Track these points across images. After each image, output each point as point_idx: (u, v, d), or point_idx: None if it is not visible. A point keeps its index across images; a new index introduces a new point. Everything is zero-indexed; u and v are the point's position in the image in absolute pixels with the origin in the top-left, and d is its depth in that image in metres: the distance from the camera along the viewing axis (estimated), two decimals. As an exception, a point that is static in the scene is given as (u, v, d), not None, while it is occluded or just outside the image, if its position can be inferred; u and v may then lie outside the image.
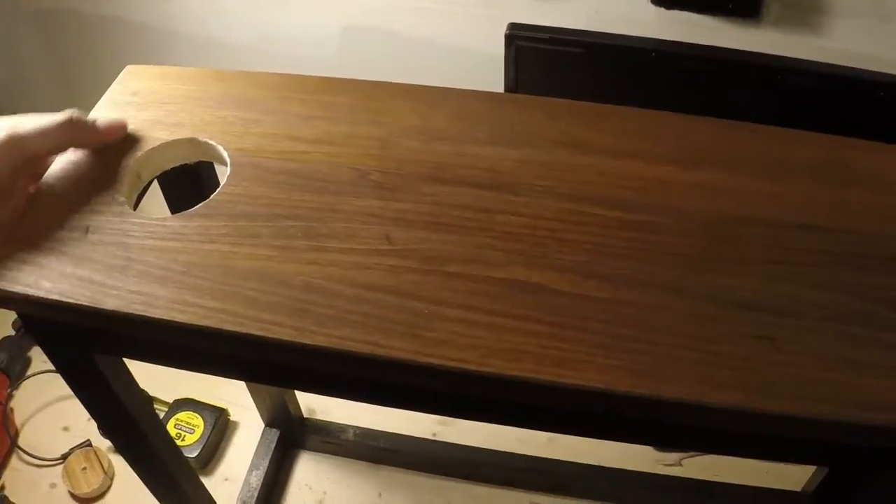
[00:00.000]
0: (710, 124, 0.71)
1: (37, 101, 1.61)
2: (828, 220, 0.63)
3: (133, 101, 0.76)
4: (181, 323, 0.58)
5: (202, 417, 1.24)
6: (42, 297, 0.59)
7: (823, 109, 1.05)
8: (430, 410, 0.66)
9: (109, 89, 0.77)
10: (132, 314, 0.58)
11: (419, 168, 0.66)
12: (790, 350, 0.54)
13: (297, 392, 1.25)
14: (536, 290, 0.58)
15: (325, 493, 1.22)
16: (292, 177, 0.67)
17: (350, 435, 1.24)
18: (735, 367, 0.53)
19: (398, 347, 0.55)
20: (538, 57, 1.06)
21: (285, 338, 0.56)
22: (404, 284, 0.58)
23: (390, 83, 0.74)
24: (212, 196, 0.66)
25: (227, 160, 0.69)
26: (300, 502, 1.21)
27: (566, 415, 0.60)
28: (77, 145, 0.70)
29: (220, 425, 1.25)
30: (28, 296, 0.60)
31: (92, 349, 0.70)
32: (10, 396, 1.34)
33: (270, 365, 0.62)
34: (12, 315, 1.40)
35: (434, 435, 1.25)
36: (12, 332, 1.39)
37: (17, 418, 1.32)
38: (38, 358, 1.38)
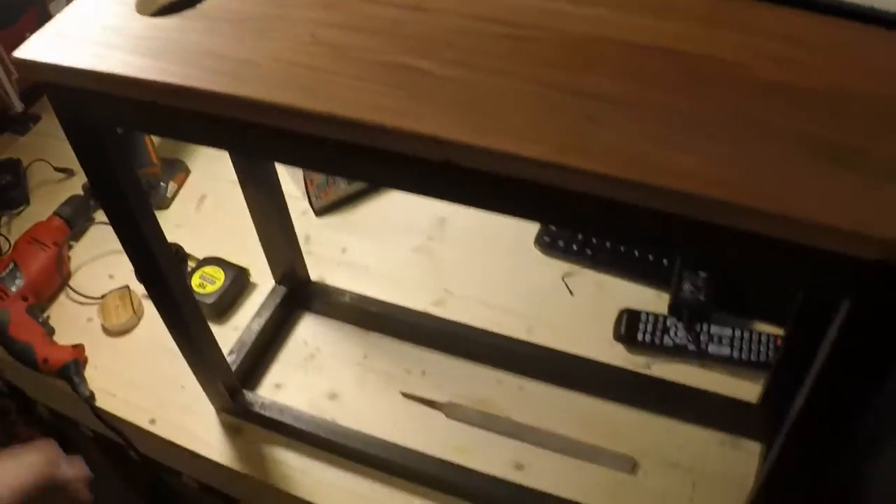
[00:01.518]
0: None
1: None
2: (688, 48, 0.76)
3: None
4: (158, 81, 0.78)
5: (224, 272, 1.46)
6: (57, 64, 0.82)
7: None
8: (312, 163, 0.85)
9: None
10: (124, 75, 0.80)
11: (358, -8, 0.85)
12: (608, 126, 0.69)
13: (309, 263, 1.46)
14: (412, 70, 0.75)
15: (317, 349, 1.41)
16: (261, -4, 0.87)
17: (346, 298, 1.43)
18: (554, 132, 0.68)
19: (293, 98, 0.74)
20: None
21: (218, 89, 0.76)
22: (314, 62, 0.77)
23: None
24: (197, 6, 0.87)
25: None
26: (294, 353, 1.40)
27: (411, 165, 0.74)
28: None
29: (239, 280, 1.47)
30: (49, 64, 0.83)
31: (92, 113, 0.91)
32: (69, 246, 1.60)
33: (216, 119, 0.81)
34: (83, 179, 1.68)
35: (427, 308, 1.44)
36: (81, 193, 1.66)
37: (73, 264, 1.59)
38: (101, 217, 1.65)
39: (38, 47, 0.85)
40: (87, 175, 1.00)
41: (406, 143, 0.72)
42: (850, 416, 0.76)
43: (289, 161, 0.96)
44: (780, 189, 0.64)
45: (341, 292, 1.45)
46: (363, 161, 0.78)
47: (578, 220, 0.76)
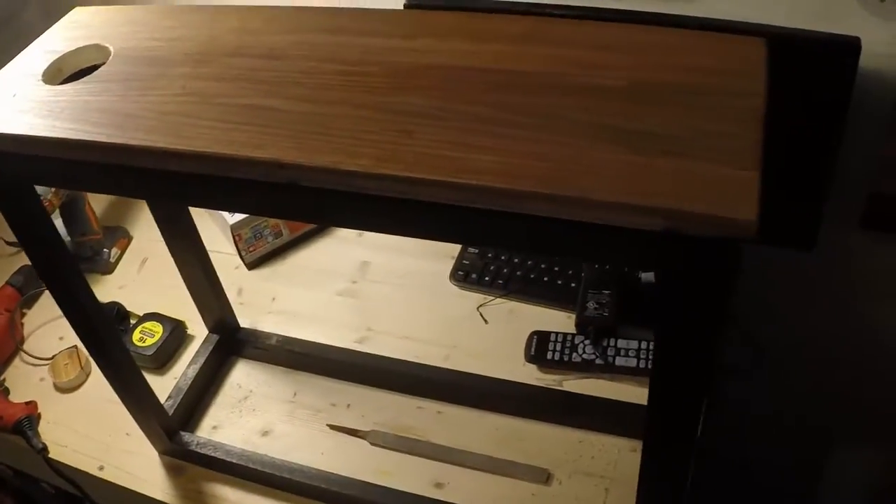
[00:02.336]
0: (437, 15, 1.00)
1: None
2: (500, 65, 0.89)
3: (71, 26, 1.12)
4: (63, 138, 0.90)
5: (163, 326, 1.58)
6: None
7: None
8: (186, 198, 0.97)
9: (61, 20, 1.14)
10: (37, 136, 0.92)
11: (226, 49, 0.98)
12: (421, 139, 0.81)
13: (241, 314, 1.57)
14: (264, 109, 0.88)
15: (250, 390, 1.51)
16: (146, 60, 1.00)
17: (274, 341, 1.54)
18: (375, 147, 0.80)
19: (163, 141, 0.86)
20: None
21: (104, 140, 0.89)
22: (183, 109, 0.90)
23: (234, 6, 1.08)
24: (93, 73, 1.01)
25: (112, 53, 1.03)
26: (228, 396, 1.51)
27: (264, 189, 0.85)
28: None
29: (176, 333, 1.58)
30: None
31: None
32: (22, 313, 1.72)
33: (105, 168, 0.94)
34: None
35: (357, 343, 1.56)
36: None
37: (26, 329, 1.70)
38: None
39: None
40: (20, 240, 1.13)
41: (255, 170, 0.84)
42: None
43: (170, 198, 1.10)
44: (567, 174, 0.74)
45: (269, 336, 1.56)
46: (225, 190, 0.90)
47: (398, 223, 0.88)
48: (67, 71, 1.06)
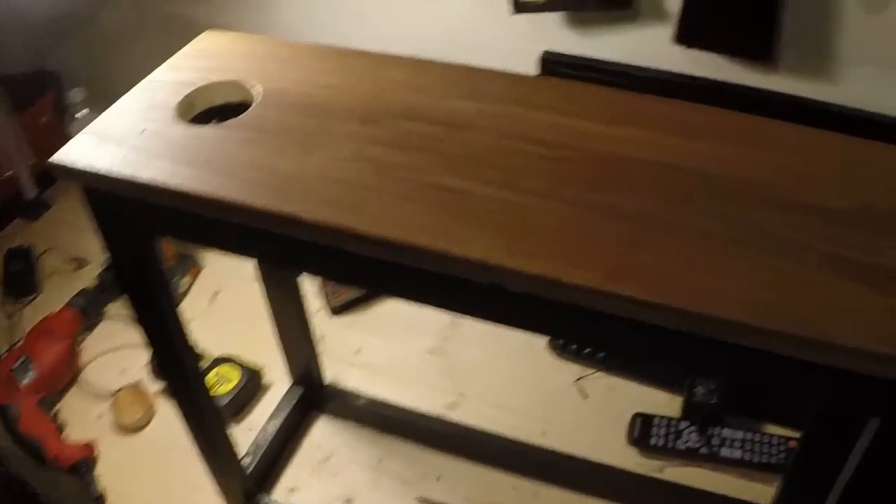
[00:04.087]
0: (639, 98, 0.87)
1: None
2: (721, 169, 0.77)
3: (202, 53, 0.99)
4: (198, 192, 0.78)
5: (239, 372, 1.44)
6: (97, 171, 0.82)
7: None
8: (352, 280, 0.83)
9: (188, 45, 1.01)
10: (164, 186, 0.80)
11: (396, 109, 0.86)
12: (650, 252, 0.69)
13: (323, 362, 1.44)
14: (454, 191, 0.76)
15: (332, 451, 1.38)
16: (302, 109, 0.87)
17: (362, 402, 1.41)
18: (600, 257, 0.69)
19: (337, 217, 0.74)
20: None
21: (259, 206, 0.76)
22: (360, 178, 0.77)
23: (398, 56, 0.95)
24: (240, 116, 0.87)
25: (260, 93, 0.90)
26: (308, 456, 1.38)
27: (461, 288, 0.74)
28: None
29: (252, 381, 1.45)
30: (87, 170, 0.82)
31: (132, 217, 0.90)
32: (80, 339, 1.58)
33: (254, 232, 0.81)
34: (96, 269, 1.66)
35: (446, 409, 1.41)
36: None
37: (84, 357, 1.56)
38: (112, 311, 1.63)
39: (79, 152, 0.85)
40: (118, 273, 1.00)
41: (454, 266, 0.71)
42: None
43: (333, 277, 0.95)
44: (812, 312, 0.64)
45: (356, 395, 1.43)
46: (410, 280, 0.77)
47: (616, 341, 0.76)
48: (200, 106, 0.94)
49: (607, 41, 1.33)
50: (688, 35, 1.26)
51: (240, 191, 0.78)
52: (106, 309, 1.64)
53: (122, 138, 0.85)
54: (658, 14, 1.28)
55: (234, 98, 0.95)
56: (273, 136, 0.84)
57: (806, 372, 0.66)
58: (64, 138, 0.87)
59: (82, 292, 1.62)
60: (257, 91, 0.91)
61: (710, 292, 0.66)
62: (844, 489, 0.75)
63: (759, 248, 0.69)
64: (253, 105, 0.89)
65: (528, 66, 1.34)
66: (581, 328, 0.75)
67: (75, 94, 1.67)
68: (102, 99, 1.68)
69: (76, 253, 1.75)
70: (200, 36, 1.03)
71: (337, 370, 1.50)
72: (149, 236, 0.95)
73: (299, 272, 1.24)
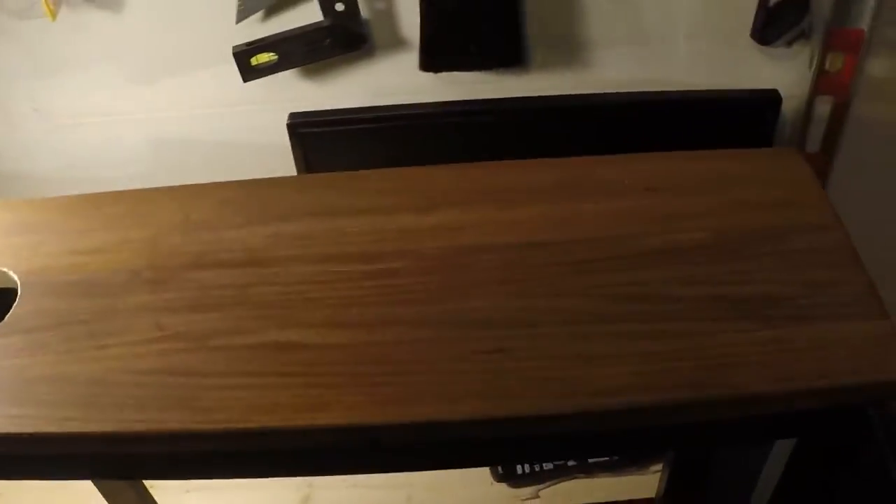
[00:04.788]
0: (442, 170, 0.83)
1: None
2: (558, 235, 0.75)
3: (-70, 240, 0.84)
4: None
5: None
6: None
7: (603, 135, 1.19)
8: (215, 475, 0.74)
9: None
10: None
11: (182, 259, 0.77)
12: (522, 357, 0.65)
13: (159, 496, 1.31)
14: (289, 348, 0.68)
15: None
16: (74, 287, 0.76)
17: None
18: (470, 383, 0.64)
19: (170, 419, 0.64)
20: (322, 139, 1.18)
21: (74, 430, 0.65)
22: (174, 364, 0.68)
23: (158, 188, 0.85)
24: (6, 318, 0.75)
25: (17, 283, 0.78)
26: None
27: (333, 454, 0.69)
28: None
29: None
30: None
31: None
32: None
33: (73, 458, 0.70)
34: None
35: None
36: None
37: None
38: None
39: None
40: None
41: (319, 438, 0.65)
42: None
43: (180, 476, 0.84)
44: (710, 369, 0.63)
45: None
46: (265, 461, 0.69)
47: (513, 457, 0.73)
48: (-52, 313, 0.79)
49: (351, 85, 1.26)
50: (432, 60, 1.21)
51: (40, 420, 0.66)
52: None
53: None
54: (396, 45, 1.22)
55: (-11, 290, 0.82)
56: (52, 333, 0.73)
57: (721, 427, 0.67)
58: None
59: None
60: (11, 276, 0.78)
61: (603, 385, 0.63)
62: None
63: (633, 318, 0.68)
64: (17, 301, 0.76)
65: (278, 134, 1.25)
66: (468, 459, 0.71)
67: None
68: None
69: None
70: None
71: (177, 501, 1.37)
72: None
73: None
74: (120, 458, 0.69)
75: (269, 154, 1.31)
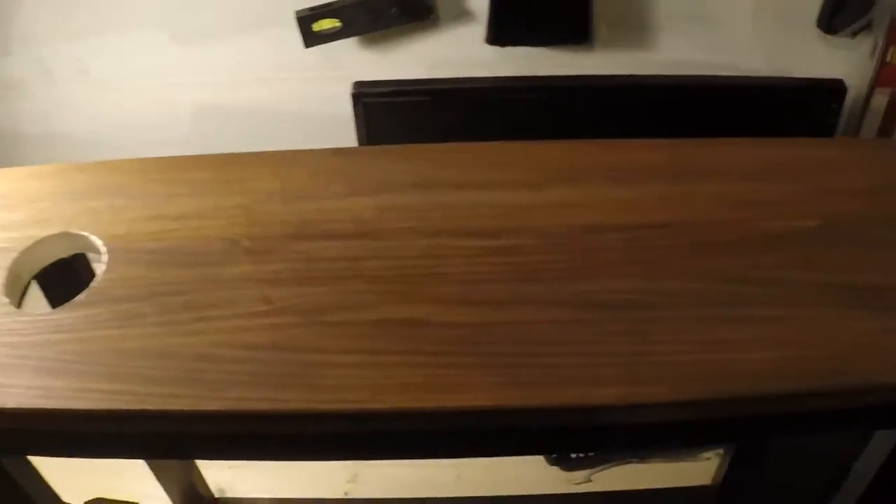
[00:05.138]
0: (549, 146, 0.78)
1: None
2: (676, 216, 0.71)
3: (1, 203, 0.78)
4: (82, 410, 0.60)
5: (113, 520, 1.23)
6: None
7: (663, 117, 1.16)
8: (333, 457, 0.69)
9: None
10: (34, 408, 0.60)
11: (285, 228, 0.71)
12: (661, 340, 0.61)
13: (203, 472, 1.26)
14: (414, 325, 0.63)
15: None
16: (166, 255, 0.70)
17: (265, 506, 1.25)
18: (613, 364, 0.59)
19: (292, 398, 0.59)
20: (386, 110, 1.13)
21: (182, 408, 0.59)
22: (287, 339, 0.63)
23: (244, 153, 0.79)
24: (91, 285, 0.69)
25: (102, 249, 0.72)
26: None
27: (465, 437, 0.64)
28: None
29: (131, 520, 1.24)
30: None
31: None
32: None
33: (176, 437, 0.65)
34: None
35: (346, 494, 1.28)
36: None
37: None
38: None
39: None
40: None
41: (448, 422, 0.59)
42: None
43: (290, 458, 0.78)
44: (841, 359, 0.60)
45: (253, 502, 1.25)
46: (391, 447, 0.64)
47: (643, 443, 0.67)
48: (28, 276, 0.74)
49: (411, 56, 1.22)
50: (500, 34, 1.17)
51: (140, 397, 0.61)
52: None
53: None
54: (462, 17, 1.18)
55: (66, 253, 0.76)
56: (145, 304, 0.67)
57: (846, 416, 0.63)
58: None
59: None
60: (94, 242, 0.72)
61: (746, 369, 0.59)
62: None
63: (759, 302, 0.63)
64: (104, 266, 0.71)
65: (334, 103, 1.20)
66: (601, 443, 0.66)
67: None
68: None
69: None
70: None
71: (216, 476, 1.32)
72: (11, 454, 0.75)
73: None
74: (223, 438, 0.63)
75: (324, 122, 1.26)
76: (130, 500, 1.26)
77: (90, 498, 1.26)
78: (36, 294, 0.78)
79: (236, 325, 0.64)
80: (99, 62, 1.29)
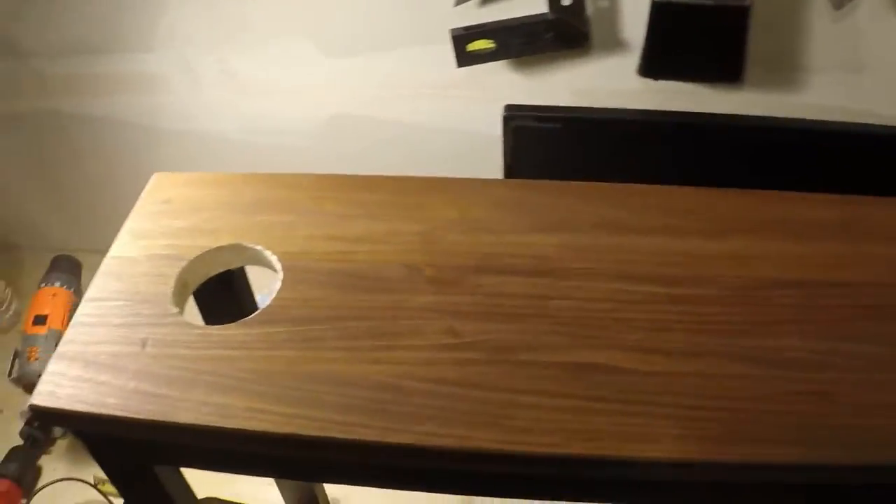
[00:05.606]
0: (726, 195, 0.76)
1: (24, 203, 1.62)
2: (849, 275, 0.68)
3: (166, 209, 0.79)
4: (259, 431, 0.60)
5: (226, 516, 1.24)
6: (108, 415, 0.61)
7: (807, 164, 1.12)
8: (511, 495, 0.68)
9: (141, 198, 0.80)
10: (208, 426, 0.60)
11: (467, 260, 0.70)
12: (842, 402, 0.59)
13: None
14: (602, 370, 0.62)
15: None
16: (345, 277, 0.70)
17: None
18: (792, 423, 0.58)
19: (483, 438, 0.58)
20: (534, 135, 1.11)
21: (369, 438, 0.59)
22: (475, 376, 0.62)
23: (418, 177, 0.79)
24: (269, 302, 0.69)
25: (277, 265, 0.72)
26: None
27: (636, 486, 0.63)
28: None
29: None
30: (93, 414, 0.61)
31: (153, 460, 0.72)
32: (22, 509, 1.32)
33: (347, 465, 0.65)
34: (18, 424, 1.39)
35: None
36: (20, 442, 1.37)
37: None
38: (49, 466, 1.37)
39: (65, 389, 0.63)
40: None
41: (642, 471, 0.57)
42: None
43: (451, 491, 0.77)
44: None
45: None
46: (568, 490, 0.62)
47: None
48: (193, 285, 0.74)
49: (558, 82, 1.20)
50: (655, 66, 1.15)
51: (328, 422, 0.60)
52: (40, 463, 1.38)
53: (116, 362, 0.65)
54: (614, 47, 1.16)
55: (233, 264, 0.76)
56: (325, 327, 0.67)
57: None
58: None
59: (11, 455, 1.35)
60: (268, 257, 0.72)
61: None
62: None
63: None
64: (278, 284, 0.70)
65: (485, 124, 1.19)
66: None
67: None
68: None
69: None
70: (152, 182, 0.83)
71: (332, 488, 1.31)
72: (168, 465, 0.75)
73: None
74: (398, 471, 0.63)
75: (467, 142, 1.25)
76: (241, 502, 1.27)
77: (201, 497, 1.26)
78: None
79: (422, 356, 0.63)
80: (242, 66, 1.30)
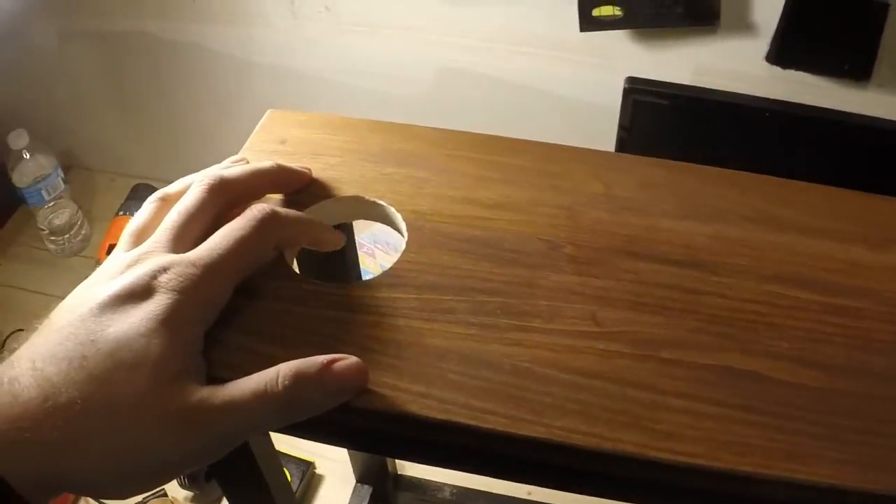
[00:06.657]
0: (890, 202, 0.70)
1: (104, 127, 1.59)
2: None
3: (281, 150, 0.75)
4: (376, 410, 0.55)
5: (289, 471, 1.21)
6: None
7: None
8: (637, 500, 0.63)
9: (253, 135, 0.76)
10: None
11: (612, 241, 0.65)
12: None
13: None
14: (753, 379, 0.57)
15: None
16: (478, 245, 0.65)
17: (447, 494, 1.22)
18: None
19: (625, 440, 0.54)
20: (652, 110, 1.06)
21: (497, 427, 0.54)
22: (620, 371, 0.57)
23: (563, 146, 0.74)
24: (393, 264, 0.64)
25: (402, 224, 0.67)
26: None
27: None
28: (279, 190, 0.68)
29: (307, 479, 1.23)
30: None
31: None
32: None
33: (471, 451, 0.60)
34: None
35: (528, 493, 1.23)
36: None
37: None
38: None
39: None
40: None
41: (791, 494, 0.53)
42: None
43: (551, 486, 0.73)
44: None
45: (438, 487, 1.23)
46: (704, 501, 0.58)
47: None
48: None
49: (680, 59, 1.14)
50: (785, 54, 1.08)
51: (456, 405, 0.55)
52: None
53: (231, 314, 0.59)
54: (745, 29, 1.10)
55: (351, 218, 0.72)
56: (456, 298, 0.62)
57: None
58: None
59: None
60: (392, 214, 0.68)
61: None
62: None
63: None
64: (404, 245, 0.66)
65: (602, 93, 1.13)
66: None
67: (17, 137, 1.37)
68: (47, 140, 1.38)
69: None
70: (264, 120, 0.78)
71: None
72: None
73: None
74: (519, 462, 0.58)
75: (580, 110, 1.20)
76: (305, 458, 1.25)
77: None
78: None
79: (562, 343, 0.59)
80: (347, 4, 1.25)
